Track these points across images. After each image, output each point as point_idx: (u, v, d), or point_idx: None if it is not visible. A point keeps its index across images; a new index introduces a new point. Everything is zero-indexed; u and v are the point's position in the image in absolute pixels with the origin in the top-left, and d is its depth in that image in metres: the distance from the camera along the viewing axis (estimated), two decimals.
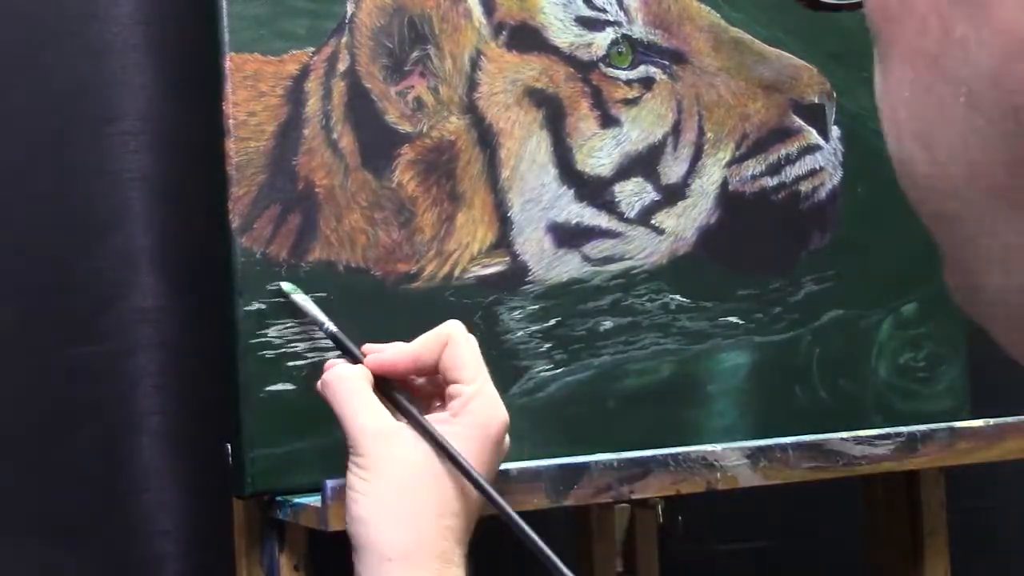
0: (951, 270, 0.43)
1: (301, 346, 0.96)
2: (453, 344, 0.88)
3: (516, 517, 0.86)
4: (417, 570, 0.82)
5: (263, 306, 0.95)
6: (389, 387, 0.88)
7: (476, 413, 0.86)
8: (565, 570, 0.83)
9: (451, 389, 0.87)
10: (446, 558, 0.84)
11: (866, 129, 1.15)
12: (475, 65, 1.02)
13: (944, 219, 0.42)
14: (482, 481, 0.85)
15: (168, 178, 1.15)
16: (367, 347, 0.91)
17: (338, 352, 0.92)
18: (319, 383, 0.89)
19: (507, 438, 0.89)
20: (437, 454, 0.85)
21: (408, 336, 0.98)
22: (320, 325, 0.92)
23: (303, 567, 0.97)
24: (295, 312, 0.94)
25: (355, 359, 0.90)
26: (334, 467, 0.95)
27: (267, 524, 0.97)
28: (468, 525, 0.87)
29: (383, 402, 0.88)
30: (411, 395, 0.90)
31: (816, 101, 1.13)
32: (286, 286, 0.95)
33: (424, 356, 0.88)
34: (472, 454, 0.86)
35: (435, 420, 0.87)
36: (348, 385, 0.87)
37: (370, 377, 0.88)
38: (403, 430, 0.86)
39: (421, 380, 0.91)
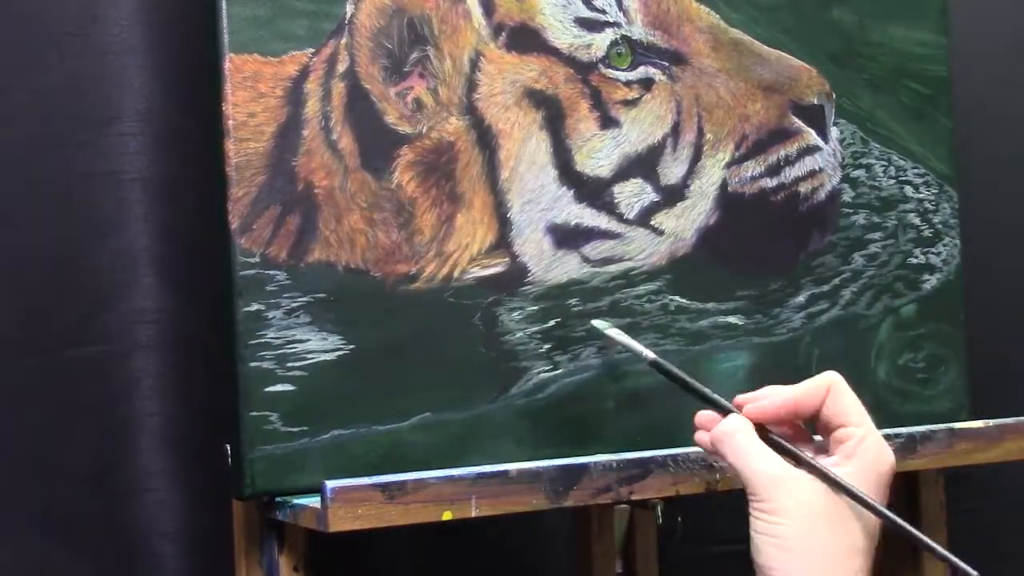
0: None
1: (300, 347, 0.96)
2: (837, 391, 0.90)
3: (932, 544, 0.89)
4: None
5: (262, 307, 0.95)
6: (768, 434, 0.91)
7: (867, 454, 0.89)
8: None
9: (839, 433, 0.90)
10: None
11: (866, 129, 1.16)
12: (474, 66, 1.02)
13: None
14: (889, 513, 0.88)
15: (168, 178, 1.15)
16: (740, 398, 0.93)
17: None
18: (706, 438, 0.93)
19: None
20: (835, 494, 0.87)
21: (409, 336, 0.99)
22: (691, 388, 0.96)
23: (302, 568, 0.97)
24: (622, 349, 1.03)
25: (725, 410, 0.93)
26: (333, 468, 0.96)
27: (266, 525, 0.97)
28: (870, 561, 0.89)
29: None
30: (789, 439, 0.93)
31: (815, 102, 1.13)
32: (599, 324, 1.04)
33: (805, 403, 0.91)
34: (867, 493, 0.88)
35: (827, 463, 0.89)
36: (739, 437, 0.90)
37: (753, 428, 0.91)
38: (800, 474, 0.88)
39: (783, 428, 0.94)
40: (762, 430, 0.91)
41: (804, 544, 0.86)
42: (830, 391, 0.90)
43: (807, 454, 0.90)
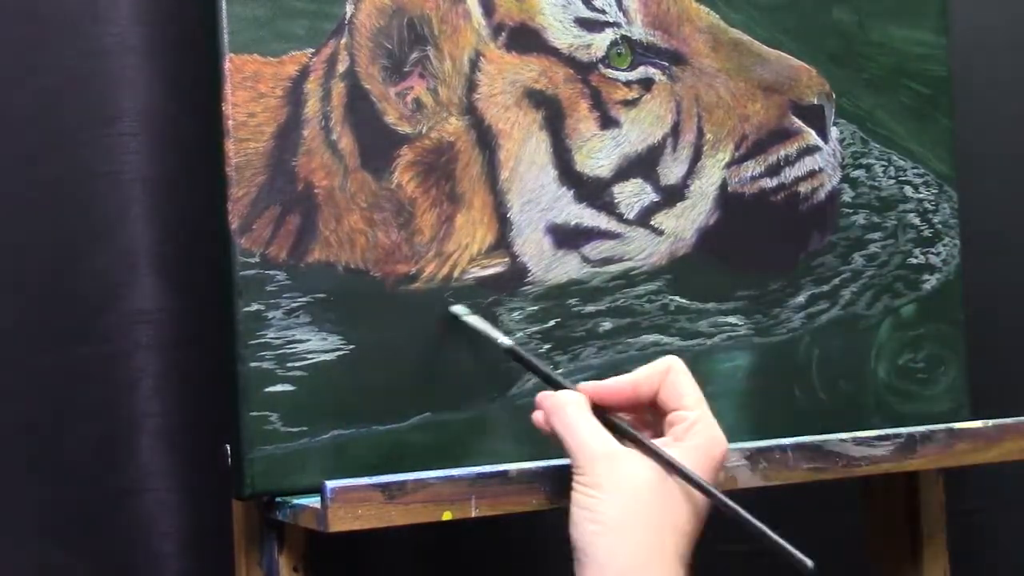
0: None
1: (300, 347, 0.96)
2: (675, 374, 0.91)
3: (755, 521, 0.87)
4: None
5: (262, 307, 0.95)
6: (605, 414, 0.91)
7: (699, 436, 0.89)
8: (798, 555, 0.85)
9: (672, 416, 0.90)
10: (676, 573, 0.86)
11: (866, 129, 1.16)
12: (474, 66, 1.02)
13: None
14: (714, 490, 0.88)
15: (168, 178, 1.15)
16: (583, 384, 0.93)
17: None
18: (539, 410, 0.92)
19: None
20: (664, 474, 0.87)
21: (409, 336, 0.99)
22: (542, 374, 0.96)
23: (302, 568, 0.97)
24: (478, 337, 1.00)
25: (560, 387, 0.93)
26: (333, 468, 0.96)
27: (266, 525, 0.97)
28: (693, 543, 0.88)
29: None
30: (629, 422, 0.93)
31: (815, 102, 1.13)
32: (457, 309, 1.00)
33: (644, 385, 0.91)
34: (697, 473, 0.88)
35: (659, 443, 0.89)
36: (571, 410, 0.90)
37: (588, 403, 0.91)
38: (629, 451, 0.88)
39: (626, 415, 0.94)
40: (600, 412, 0.90)
41: (619, 520, 0.85)
42: (669, 374, 0.91)
43: (639, 434, 0.90)
